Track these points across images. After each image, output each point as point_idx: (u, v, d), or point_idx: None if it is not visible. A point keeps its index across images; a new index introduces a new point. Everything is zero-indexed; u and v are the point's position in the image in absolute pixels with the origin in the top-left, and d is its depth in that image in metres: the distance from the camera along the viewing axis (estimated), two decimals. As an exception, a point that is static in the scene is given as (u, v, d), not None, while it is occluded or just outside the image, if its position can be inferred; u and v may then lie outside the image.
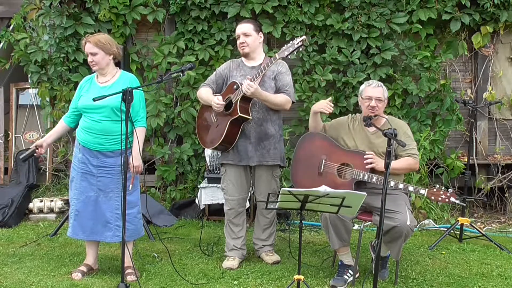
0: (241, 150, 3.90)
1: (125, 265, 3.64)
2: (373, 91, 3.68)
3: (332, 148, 3.72)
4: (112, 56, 3.67)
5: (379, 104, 3.65)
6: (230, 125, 3.79)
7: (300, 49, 3.74)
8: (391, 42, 5.49)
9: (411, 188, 3.47)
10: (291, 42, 3.73)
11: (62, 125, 3.83)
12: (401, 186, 3.48)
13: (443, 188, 3.41)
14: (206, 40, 5.68)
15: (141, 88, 3.76)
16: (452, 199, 3.36)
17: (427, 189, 3.45)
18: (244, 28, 3.90)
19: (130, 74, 3.81)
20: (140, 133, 3.66)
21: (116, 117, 3.55)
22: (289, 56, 3.72)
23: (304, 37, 3.73)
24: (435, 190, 3.42)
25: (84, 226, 3.66)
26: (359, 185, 3.66)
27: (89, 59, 3.66)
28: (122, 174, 3.39)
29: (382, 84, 3.75)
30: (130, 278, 3.61)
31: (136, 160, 3.58)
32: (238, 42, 3.93)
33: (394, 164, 3.51)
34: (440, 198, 3.39)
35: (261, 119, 3.88)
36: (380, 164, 3.52)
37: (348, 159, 3.66)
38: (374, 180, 3.52)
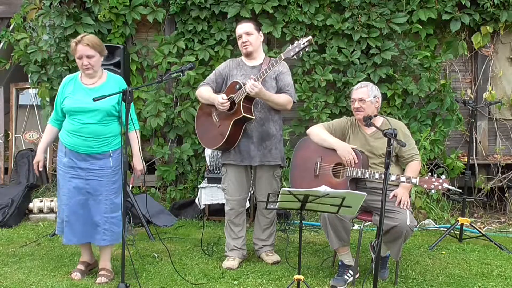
0: (243, 150, 3.89)
1: (101, 266, 3.70)
2: (355, 93, 3.71)
3: (326, 150, 3.73)
4: (103, 58, 3.56)
5: (362, 104, 3.65)
6: (233, 125, 3.79)
7: (306, 49, 3.74)
8: (391, 42, 5.49)
9: (402, 179, 3.46)
10: (296, 42, 3.72)
11: (52, 131, 3.68)
12: (393, 178, 3.47)
13: (435, 175, 3.39)
14: (206, 40, 5.69)
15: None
16: (445, 185, 3.32)
17: (418, 177, 3.43)
18: (246, 28, 3.89)
19: (117, 76, 3.70)
20: (136, 136, 3.65)
21: (106, 120, 3.50)
22: (295, 56, 3.72)
23: (310, 37, 3.72)
24: (426, 178, 3.39)
25: (76, 231, 3.57)
26: (358, 184, 3.67)
27: (84, 62, 3.45)
28: (122, 174, 3.38)
29: (369, 84, 3.75)
30: (99, 280, 3.59)
31: (138, 163, 3.63)
32: (239, 41, 3.91)
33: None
34: (432, 186, 3.34)
35: (263, 119, 3.89)
36: (405, 196, 3.54)
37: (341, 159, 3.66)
38: (367, 175, 3.52)
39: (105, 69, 4.83)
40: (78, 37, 3.47)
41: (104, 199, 3.54)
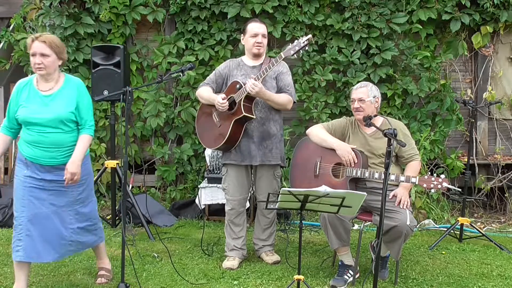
0: (244, 149, 3.89)
1: (100, 265, 3.63)
2: (355, 93, 3.72)
3: (325, 150, 3.73)
4: (61, 62, 3.27)
5: (362, 104, 3.66)
6: (234, 125, 3.78)
7: (306, 48, 3.74)
8: (391, 42, 5.49)
9: (402, 178, 3.46)
10: (296, 41, 3.73)
11: (4, 140, 3.30)
12: (392, 177, 3.47)
13: (435, 175, 3.40)
14: (206, 40, 5.69)
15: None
16: (445, 184, 3.32)
17: (418, 177, 3.43)
18: (263, 29, 3.90)
19: (76, 78, 3.40)
20: (85, 140, 3.27)
21: (66, 127, 3.22)
22: (295, 55, 3.72)
23: (309, 36, 3.72)
24: (426, 177, 3.39)
25: (37, 246, 3.21)
26: (358, 184, 3.67)
27: (37, 60, 3.14)
28: (123, 174, 3.36)
29: (369, 84, 3.76)
30: (99, 280, 3.57)
31: (73, 166, 3.17)
32: (253, 40, 3.86)
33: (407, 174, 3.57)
34: (432, 185, 3.35)
35: (264, 119, 3.89)
36: (405, 196, 3.53)
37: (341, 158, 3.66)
38: (366, 175, 3.52)
39: (105, 69, 4.91)
40: (37, 34, 3.22)
41: (68, 209, 3.29)
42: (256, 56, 3.93)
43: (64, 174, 3.19)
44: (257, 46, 3.87)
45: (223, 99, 3.78)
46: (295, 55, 3.73)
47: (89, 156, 3.47)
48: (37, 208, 3.23)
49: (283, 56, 3.71)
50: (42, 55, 3.15)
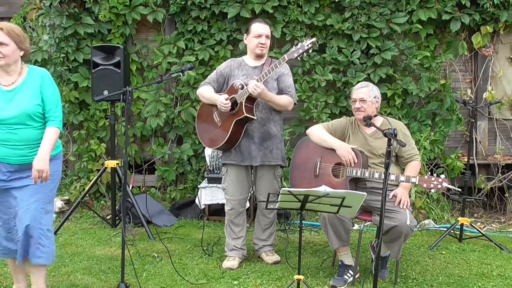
0: (244, 150, 3.89)
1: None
2: (356, 93, 3.72)
3: (325, 150, 3.73)
4: (22, 53, 3.02)
5: (363, 104, 3.67)
6: (234, 125, 3.78)
7: (310, 51, 3.73)
8: (391, 42, 5.49)
9: (402, 178, 3.46)
10: (300, 44, 3.72)
11: None
12: (392, 177, 3.47)
13: (434, 174, 3.40)
14: (206, 40, 5.69)
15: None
16: (445, 184, 3.33)
17: (418, 177, 3.44)
18: (268, 30, 3.90)
19: (41, 68, 3.14)
20: (51, 133, 3.01)
21: (35, 123, 3.01)
22: (298, 58, 3.72)
23: (314, 39, 3.72)
24: (426, 177, 3.40)
25: (24, 245, 3.01)
26: (358, 184, 3.67)
27: None
28: (123, 174, 3.34)
29: (369, 84, 3.77)
30: None
31: (39, 162, 2.93)
32: (256, 41, 3.85)
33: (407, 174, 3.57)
34: (432, 185, 3.35)
35: (264, 119, 3.89)
36: (405, 195, 3.54)
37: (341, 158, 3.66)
38: (366, 175, 3.53)
39: (105, 69, 4.91)
40: None
41: (40, 207, 3.03)
42: (259, 56, 3.93)
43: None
44: (260, 47, 3.87)
45: (226, 100, 3.78)
46: (298, 58, 3.73)
47: (61, 153, 3.25)
48: (18, 206, 3.02)
49: (287, 59, 3.70)
50: (0, 43, 2.93)
